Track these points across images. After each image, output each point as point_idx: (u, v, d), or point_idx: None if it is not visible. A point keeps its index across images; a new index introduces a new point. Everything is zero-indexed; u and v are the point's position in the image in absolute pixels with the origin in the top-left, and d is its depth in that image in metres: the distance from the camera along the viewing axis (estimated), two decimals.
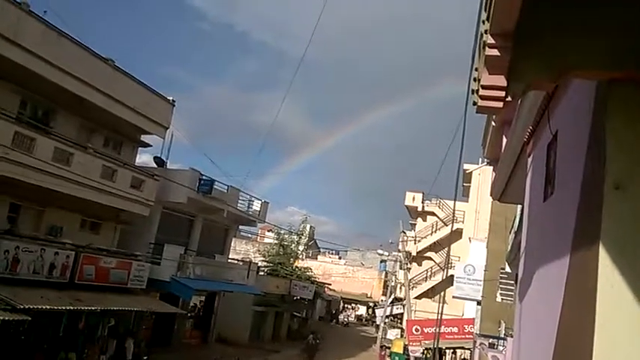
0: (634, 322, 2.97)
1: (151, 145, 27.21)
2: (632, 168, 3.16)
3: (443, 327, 28.16)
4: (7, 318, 14.26)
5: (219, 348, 29.46)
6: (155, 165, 26.61)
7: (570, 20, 3.19)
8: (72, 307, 17.53)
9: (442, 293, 20.66)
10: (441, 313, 17.29)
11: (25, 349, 16.89)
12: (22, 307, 14.91)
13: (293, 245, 49.38)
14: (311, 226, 57.62)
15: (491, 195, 11.89)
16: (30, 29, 17.68)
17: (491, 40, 3.13)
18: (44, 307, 16.08)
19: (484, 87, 3.31)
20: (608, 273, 3.04)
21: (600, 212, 3.15)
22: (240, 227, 38.71)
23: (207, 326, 30.80)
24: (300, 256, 52.82)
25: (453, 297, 29.51)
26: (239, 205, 30.70)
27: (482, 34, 3.26)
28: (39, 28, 18.11)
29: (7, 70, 17.68)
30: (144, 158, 33.58)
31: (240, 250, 53.79)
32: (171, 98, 25.23)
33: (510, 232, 17.94)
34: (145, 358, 21.87)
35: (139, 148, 26.67)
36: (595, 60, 3.22)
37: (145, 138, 26.19)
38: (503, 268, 21.73)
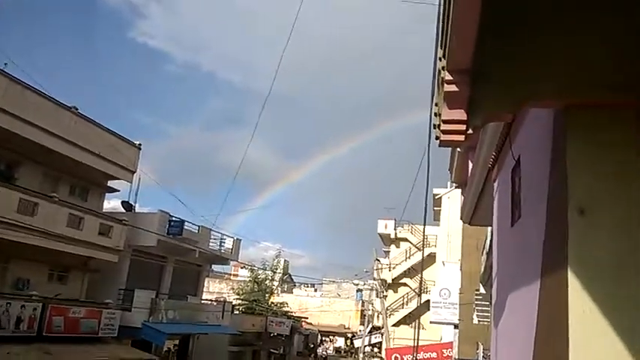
0: (607, 347, 3.01)
1: (119, 190, 27.03)
2: (594, 192, 3.23)
3: (422, 353, 27.99)
4: None
5: None
6: (123, 210, 26.26)
7: (524, 53, 3.31)
8: None
9: (417, 321, 20.60)
10: (417, 339, 17.24)
11: None
12: None
13: (267, 281, 48.83)
14: (285, 260, 57.14)
15: (461, 218, 12.03)
16: None
17: (448, 77, 3.21)
18: None
19: (445, 121, 3.39)
20: (578, 298, 3.09)
21: (566, 237, 3.21)
22: (213, 266, 38.18)
23: None
24: (276, 292, 52.20)
25: (431, 322, 29.39)
26: (211, 244, 30.38)
27: (439, 71, 3.35)
28: (2, 82, 17.98)
29: None
30: (112, 204, 33.13)
31: (213, 289, 52.93)
32: (137, 142, 25.17)
33: (482, 254, 18.10)
34: None
35: (108, 194, 26.41)
36: (550, 89, 3.34)
37: (112, 183, 26.00)
38: (478, 290, 21.83)
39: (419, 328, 17.26)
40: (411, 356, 24.69)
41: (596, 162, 3.30)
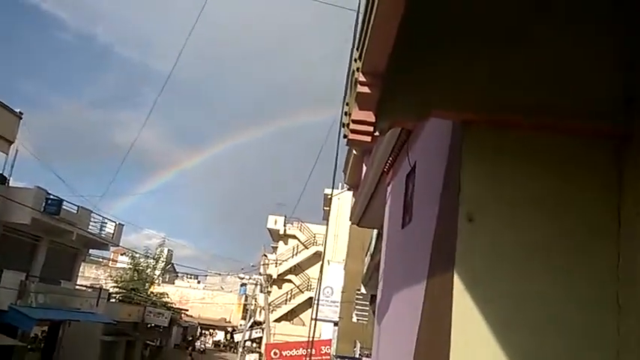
0: (486, 345, 3.25)
1: None
2: (483, 202, 3.47)
3: (301, 349, 28.44)
4: None
5: None
6: None
7: (434, 66, 3.48)
8: None
9: (313, 312, 20.77)
10: (313, 337, 17.48)
11: None
12: None
13: (149, 270, 47.18)
14: (169, 250, 55.55)
15: (350, 219, 12.38)
16: None
17: (362, 78, 3.31)
18: None
19: (354, 121, 3.48)
20: (461, 298, 3.31)
21: (454, 242, 3.42)
22: (91, 251, 36.30)
23: (50, 359, 28.24)
24: (157, 281, 50.59)
25: (313, 319, 29.90)
26: (90, 227, 28.86)
27: (354, 72, 3.44)
28: None
29: None
30: None
31: (89, 275, 50.41)
32: (18, 110, 23.21)
33: (366, 255, 18.69)
34: None
35: None
36: (453, 103, 3.54)
37: None
38: (359, 290, 22.54)
39: (315, 324, 17.42)
40: (290, 352, 25.03)
41: (487, 175, 3.54)
